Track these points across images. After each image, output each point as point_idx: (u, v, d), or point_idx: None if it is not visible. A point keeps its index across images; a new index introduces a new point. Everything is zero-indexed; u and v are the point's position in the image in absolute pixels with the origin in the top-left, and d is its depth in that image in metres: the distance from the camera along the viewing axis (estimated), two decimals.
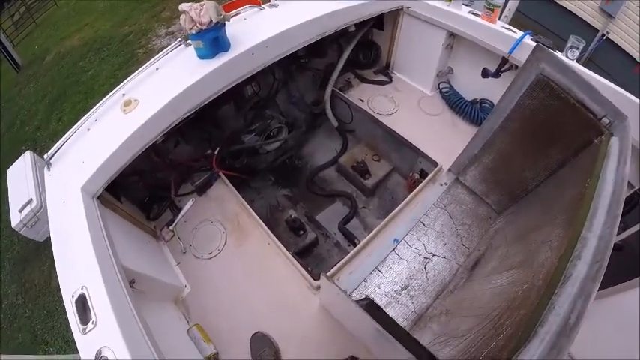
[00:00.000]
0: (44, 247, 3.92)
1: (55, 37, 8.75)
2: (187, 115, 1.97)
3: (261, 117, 2.84)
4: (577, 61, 2.17)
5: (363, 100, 2.99)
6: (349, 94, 3.06)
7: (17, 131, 6.20)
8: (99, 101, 1.92)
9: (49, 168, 1.74)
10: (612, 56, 5.47)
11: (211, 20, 1.87)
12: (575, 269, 1.13)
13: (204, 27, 1.87)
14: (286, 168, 3.20)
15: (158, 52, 2.12)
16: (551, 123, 1.81)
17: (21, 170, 1.82)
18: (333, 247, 2.72)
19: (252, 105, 2.78)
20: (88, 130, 1.83)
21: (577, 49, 2.14)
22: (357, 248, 2.17)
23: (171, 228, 2.25)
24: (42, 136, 5.80)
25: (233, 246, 2.21)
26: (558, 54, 2.17)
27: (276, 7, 2.42)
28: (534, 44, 2.17)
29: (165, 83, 1.94)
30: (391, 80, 3.20)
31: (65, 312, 1.24)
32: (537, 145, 1.93)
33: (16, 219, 1.67)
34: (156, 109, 1.81)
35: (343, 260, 2.10)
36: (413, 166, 2.77)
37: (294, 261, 2.08)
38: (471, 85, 2.84)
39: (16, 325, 3.73)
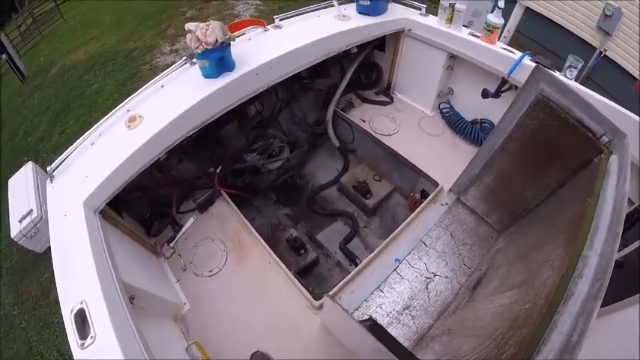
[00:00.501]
0: (43, 259, 3.92)
1: (61, 50, 8.90)
2: (191, 133, 1.99)
3: (263, 136, 2.87)
4: (576, 79, 2.21)
5: (364, 121, 3.03)
6: (351, 115, 3.09)
7: (20, 141, 6.27)
8: (103, 116, 1.94)
9: (51, 180, 1.75)
10: (610, 73, 5.52)
11: (217, 40, 1.92)
12: (577, 288, 1.13)
13: (209, 47, 1.92)
14: (288, 187, 3.21)
15: (162, 69, 2.16)
16: (551, 142, 1.83)
17: (22, 181, 1.83)
18: (334, 267, 2.71)
19: (254, 124, 2.82)
20: (92, 144, 1.85)
21: (575, 68, 2.18)
22: (358, 268, 2.16)
23: (171, 245, 2.24)
24: (44, 147, 5.85)
25: (233, 264, 2.20)
26: (557, 74, 2.21)
27: (280, 28, 2.49)
28: (533, 65, 2.22)
29: (170, 101, 1.98)
30: (392, 101, 3.24)
31: (61, 325, 1.24)
32: (537, 165, 1.94)
33: (15, 229, 1.66)
34: (160, 126, 1.83)
35: (345, 280, 2.09)
36: (414, 186, 2.78)
37: (295, 280, 2.07)
38: (471, 105, 2.87)
39: (12, 336, 3.69)
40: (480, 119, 2.85)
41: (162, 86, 2.07)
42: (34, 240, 1.70)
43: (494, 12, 2.29)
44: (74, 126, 5.90)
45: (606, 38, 5.45)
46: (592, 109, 1.59)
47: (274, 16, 2.53)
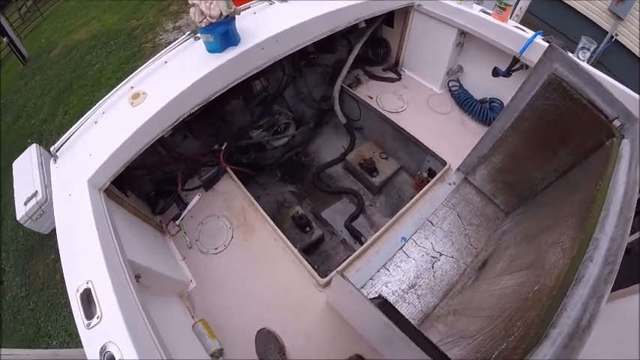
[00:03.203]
0: (48, 240, 3.92)
1: (62, 31, 8.76)
2: (195, 109, 1.95)
3: (269, 112, 2.83)
4: (587, 61, 2.14)
5: (371, 98, 2.96)
6: (358, 91, 3.03)
7: (23, 124, 6.22)
8: (106, 94, 1.91)
9: (55, 160, 1.73)
10: (621, 58, 5.40)
11: (221, 13, 1.84)
12: (587, 271, 1.12)
13: (214, 20, 1.85)
14: (293, 164, 3.19)
15: (165, 47, 2.11)
16: (562, 123, 1.78)
17: (26, 163, 1.81)
18: (339, 245, 2.71)
19: (260, 100, 2.77)
20: (96, 122, 1.82)
21: (588, 49, 2.12)
22: (364, 246, 2.15)
23: (177, 222, 2.24)
24: (48, 129, 5.81)
25: (239, 241, 2.20)
26: (569, 55, 2.15)
27: (286, 1, 2.40)
28: (546, 44, 2.17)
29: (174, 77, 1.93)
30: (400, 78, 3.17)
31: (69, 305, 1.23)
32: (548, 146, 1.90)
33: (20, 211, 1.67)
34: (164, 102, 1.79)
35: (351, 257, 2.09)
36: (421, 165, 2.74)
37: (301, 258, 2.07)
38: (481, 84, 2.80)
39: (20, 318, 3.74)
40: (490, 98, 2.78)
41: (166, 62, 2.02)
42: (40, 222, 1.71)
43: None
44: (77, 106, 5.85)
45: (618, 22, 5.32)
46: (605, 91, 1.55)
47: None
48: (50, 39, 8.66)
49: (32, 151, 1.85)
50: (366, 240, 2.48)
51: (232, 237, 2.21)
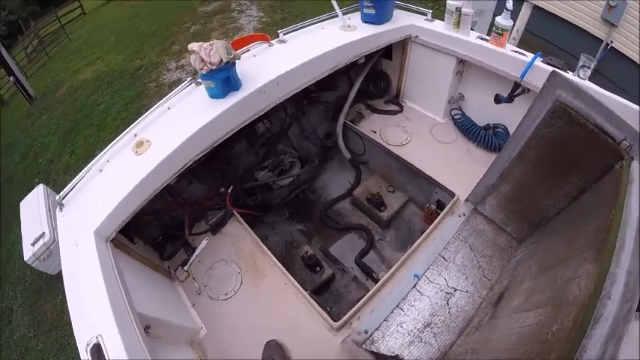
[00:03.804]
0: (56, 281, 3.90)
1: (68, 70, 9.04)
2: (200, 156, 1.97)
3: (273, 152, 2.84)
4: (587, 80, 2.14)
5: (375, 132, 2.97)
6: (360, 126, 3.05)
7: (30, 163, 6.37)
8: (111, 135, 1.92)
9: (61, 209, 1.74)
10: (619, 65, 5.36)
11: (221, 60, 1.88)
12: (606, 309, 1.09)
13: (214, 67, 1.88)
14: (300, 202, 3.18)
15: (169, 86, 2.16)
16: (569, 149, 1.76)
17: (34, 203, 1.83)
18: (350, 283, 2.66)
19: (264, 141, 2.79)
20: (101, 171, 1.83)
21: (588, 67, 2.10)
22: (376, 286, 2.11)
23: (185, 268, 2.22)
24: (54, 168, 5.92)
25: (249, 286, 2.17)
26: (570, 74, 2.15)
27: (285, 42, 2.46)
28: (545, 66, 2.18)
29: (177, 123, 1.95)
30: (402, 109, 3.18)
31: (77, 348, 1.23)
32: (556, 173, 1.87)
33: (28, 252, 1.67)
34: (168, 151, 1.80)
35: (363, 300, 2.04)
36: (429, 197, 2.71)
37: (313, 302, 2.03)
38: (483, 110, 2.80)
39: (28, 358, 3.71)
40: (493, 124, 2.77)
41: (169, 108, 2.05)
42: (47, 263, 1.71)
43: (503, 14, 2.22)
44: (83, 147, 5.96)
45: (612, 30, 5.34)
46: (611, 114, 1.53)
47: (278, 31, 2.50)
48: (56, 78, 8.91)
49: (39, 192, 1.86)
50: (378, 276, 2.45)
51: (242, 282, 2.18)
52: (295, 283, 2.11)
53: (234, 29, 8.09)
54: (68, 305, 1.37)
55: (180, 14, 9.26)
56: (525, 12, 5.72)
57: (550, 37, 6.29)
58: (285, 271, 2.16)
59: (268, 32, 7.66)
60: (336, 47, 2.35)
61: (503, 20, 2.24)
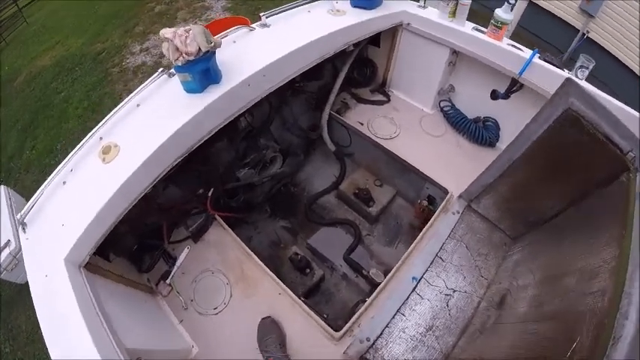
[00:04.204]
0: (27, 291, 3.65)
1: (26, 57, 8.25)
2: (178, 161, 1.75)
3: (254, 147, 2.63)
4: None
5: (362, 124, 2.83)
6: (346, 117, 2.89)
7: None
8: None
9: (24, 229, 1.49)
10: (593, 55, 5.50)
11: (200, 49, 1.63)
12: (625, 330, 1.06)
13: (191, 57, 1.64)
14: (282, 196, 2.99)
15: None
16: (574, 156, 1.73)
17: None
18: (340, 281, 2.57)
19: (244, 135, 2.57)
20: (64, 183, 1.58)
21: (587, 68, 2.08)
22: (376, 291, 2.03)
23: (168, 282, 2.02)
24: (16, 166, 5.37)
25: (240, 298, 2.02)
26: (566, 72, 2.11)
27: (268, 27, 2.21)
28: (543, 63, 2.12)
29: (150, 124, 1.69)
30: (389, 99, 3.05)
31: None
32: (558, 177, 1.85)
33: None
34: (142, 158, 1.56)
35: (363, 308, 1.96)
36: (419, 192, 2.64)
37: (311, 312, 1.93)
38: (474, 102, 2.72)
39: None
40: (484, 117, 2.71)
41: (138, 105, 1.77)
42: (15, 272, 1.52)
43: (504, 7, 2.12)
44: (44, 140, 5.47)
45: (589, 20, 5.49)
46: (621, 125, 1.50)
47: (261, 14, 2.23)
48: (14, 66, 8.14)
49: (1, 195, 1.63)
50: (368, 273, 2.37)
51: (232, 294, 2.03)
52: (291, 293, 1.99)
53: (202, 8, 7.61)
54: (46, 344, 1.20)
55: None
56: (521, 5, 5.75)
57: (530, 26, 6.36)
58: (279, 281, 2.02)
59: (238, 11, 7.17)
60: (326, 34, 2.15)
61: (503, 13, 2.14)
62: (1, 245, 1.49)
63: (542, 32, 5.93)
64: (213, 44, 1.69)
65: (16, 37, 9.69)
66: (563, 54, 5.63)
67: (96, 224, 1.47)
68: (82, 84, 6.45)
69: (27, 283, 1.49)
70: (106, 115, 1.74)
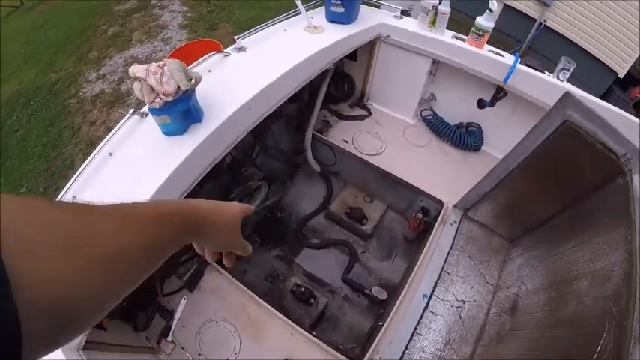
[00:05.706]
0: None
1: None
2: None
3: (238, 181, 2.49)
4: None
5: (347, 142, 2.77)
6: (329, 136, 2.82)
7: None
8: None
9: None
10: (551, 41, 5.84)
11: (178, 88, 1.46)
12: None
13: (169, 98, 1.46)
14: (269, 224, 2.87)
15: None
16: (571, 164, 1.77)
17: None
18: (343, 303, 2.51)
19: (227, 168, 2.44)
20: None
21: (568, 70, 2.12)
22: (389, 317, 1.97)
23: (169, 338, 1.86)
24: None
25: (251, 345, 1.91)
26: (548, 75, 2.15)
27: (244, 51, 2.07)
28: (526, 68, 2.16)
29: (127, 177, 1.47)
30: (370, 113, 3.01)
31: None
32: (555, 184, 1.89)
33: None
34: None
35: (379, 335, 1.90)
36: (412, 205, 2.62)
37: (327, 347, 1.85)
38: (455, 109, 2.74)
39: None
40: (466, 123, 2.73)
41: (111, 154, 1.54)
42: None
43: (485, 15, 2.12)
44: (7, 184, 5.16)
45: (545, 10, 5.74)
46: (615, 131, 1.54)
47: (235, 37, 2.10)
48: None
49: None
50: (370, 291, 2.37)
51: (241, 342, 1.91)
52: (302, 330, 1.90)
53: (157, 28, 7.32)
54: None
55: (95, 16, 8.29)
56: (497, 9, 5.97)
57: (476, 13, 6.45)
58: (288, 321, 1.93)
59: (195, 27, 6.89)
60: (310, 56, 2.06)
61: (484, 21, 2.15)
62: None
63: (501, 25, 6.11)
64: (193, 81, 1.52)
65: None
66: (521, 44, 5.79)
67: None
68: (38, 119, 6.05)
69: None
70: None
